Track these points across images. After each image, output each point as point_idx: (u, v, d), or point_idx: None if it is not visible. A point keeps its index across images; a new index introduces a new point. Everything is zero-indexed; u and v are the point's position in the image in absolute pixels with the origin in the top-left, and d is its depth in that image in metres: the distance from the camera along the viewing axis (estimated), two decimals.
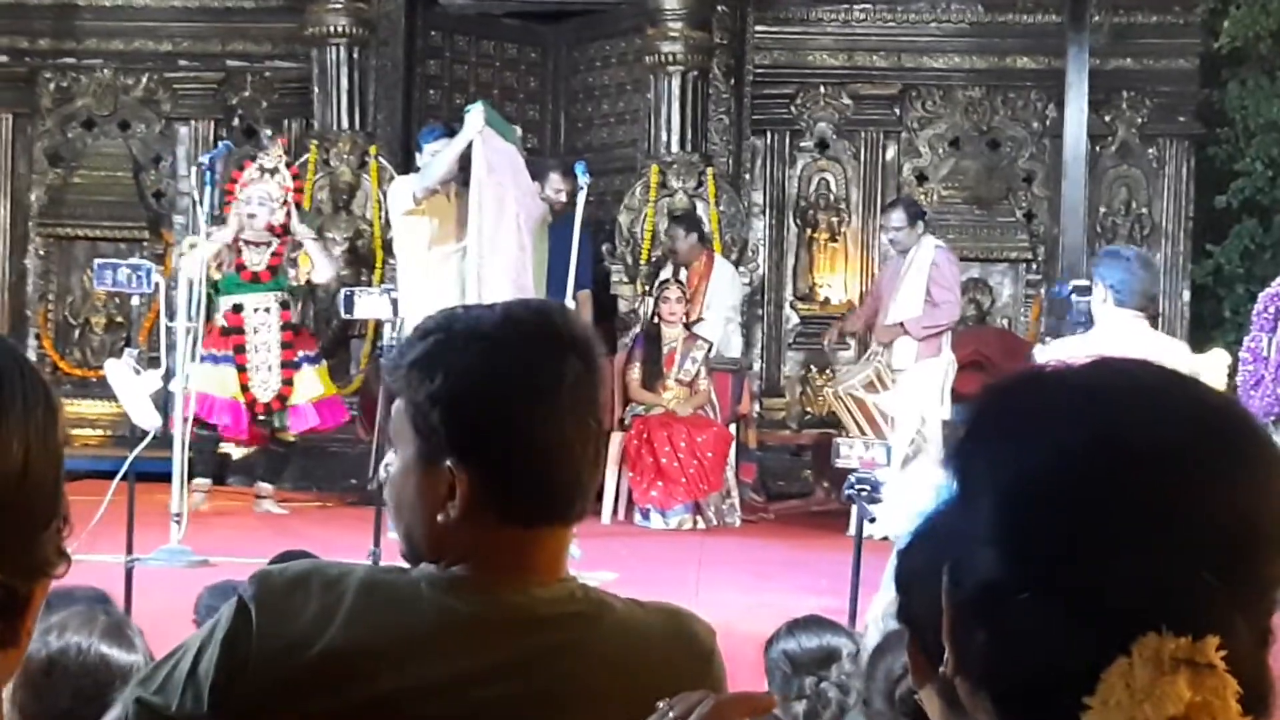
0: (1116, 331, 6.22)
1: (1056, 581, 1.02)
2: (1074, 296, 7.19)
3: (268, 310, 9.23)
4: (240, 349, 9.14)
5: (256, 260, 9.21)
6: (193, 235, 9.22)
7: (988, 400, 1.12)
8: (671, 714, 1.53)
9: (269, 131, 12.12)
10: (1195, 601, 0.99)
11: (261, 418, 9.20)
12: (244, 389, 9.12)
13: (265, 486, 9.56)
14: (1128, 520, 1.01)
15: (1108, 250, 7.23)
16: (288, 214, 9.32)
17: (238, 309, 9.18)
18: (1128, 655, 0.98)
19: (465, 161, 8.34)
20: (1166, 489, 1.02)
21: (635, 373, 10.07)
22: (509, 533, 1.79)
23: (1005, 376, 1.13)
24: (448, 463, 1.77)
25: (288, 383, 9.21)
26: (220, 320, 9.17)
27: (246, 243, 9.17)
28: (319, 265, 9.30)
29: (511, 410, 1.77)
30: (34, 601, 1.13)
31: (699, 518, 9.70)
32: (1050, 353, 6.42)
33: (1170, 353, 6.29)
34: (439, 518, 1.79)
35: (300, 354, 9.32)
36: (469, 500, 1.77)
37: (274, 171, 9.31)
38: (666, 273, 10.83)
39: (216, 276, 8.99)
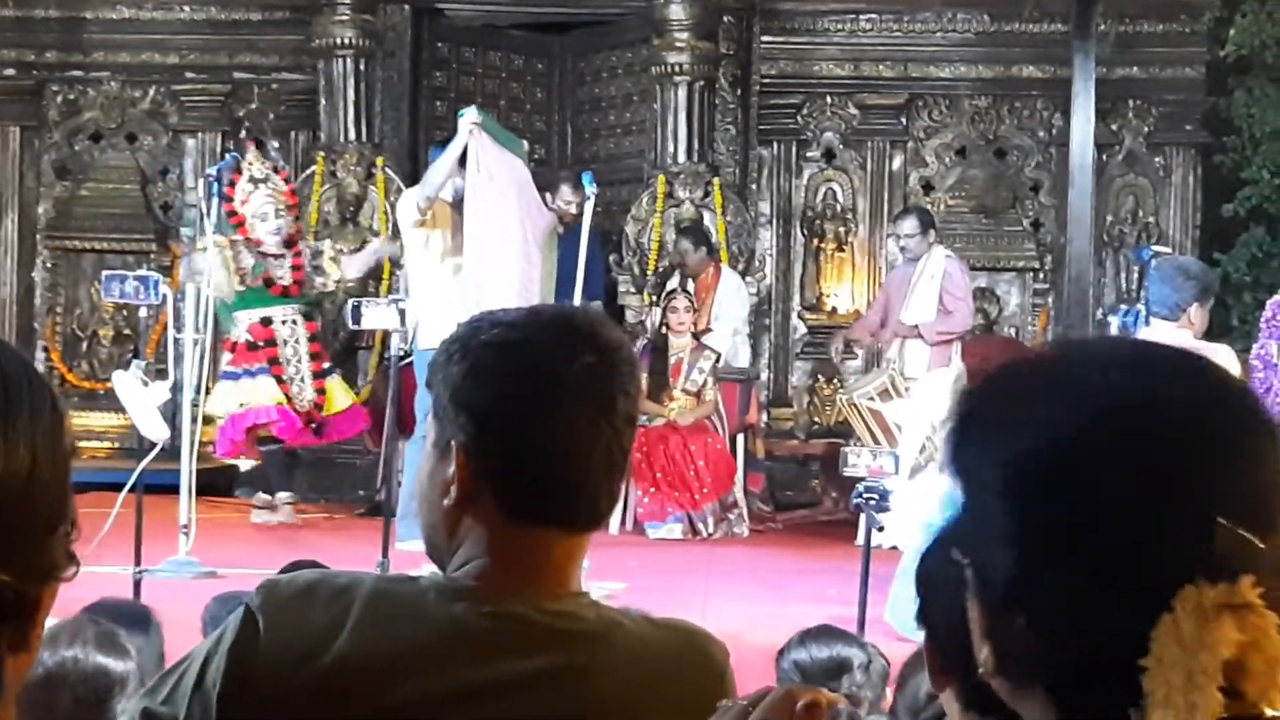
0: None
1: (1083, 559, 1.04)
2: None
3: (295, 322, 9.14)
4: (275, 360, 9.03)
5: (281, 273, 9.10)
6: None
7: (974, 399, 1.14)
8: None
9: (276, 143, 12.12)
10: (1222, 549, 1.02)
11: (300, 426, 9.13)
12: (287, 399, 9.02)
13: (283, 495, 9.43)
14: (1136, 487, 1.04)
15: (1156, 264, 7.23)
16: (296, 219, 9.30)
17: (266, 322, 9.08)
18: (1171, 612, 1.00)
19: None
20: (1164, 446, 1.05)
21: (642, 384, 10.03)
22: (512, 532, 1.77)
23: (985, 375, 1.15)
24: (452, 442, 1.77)
25: (321, 392, 9.15)
26: (244, 335, 9.08)
27: (265, 255, 9.07)
28: (356, 263, 9.49)
29: (511, 392, 1.77)
30: (43, 605, 1.14)
31: (694, 528, 9.63)
32: None
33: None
34: (445, 502, 1.78)
35: (325, 365, 9.30)
36: (465, 481, 1.76)
37: (265, 180, 9.19)
38: (674, 283, 10.83)
39: (239, 288, 8.97)
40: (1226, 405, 1.09)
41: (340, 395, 9.29)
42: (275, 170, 9.46)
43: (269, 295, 9.04)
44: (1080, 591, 1.04)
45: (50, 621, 3.02)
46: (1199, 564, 1.01)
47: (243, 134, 12.22)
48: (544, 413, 1.76)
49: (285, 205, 9.20)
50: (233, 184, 9.21)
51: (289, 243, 9.15)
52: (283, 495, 9.30)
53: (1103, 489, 1.04)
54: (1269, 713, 1.01)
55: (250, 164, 9.27)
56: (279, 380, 9.01)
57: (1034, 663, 1.07)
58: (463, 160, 8.30)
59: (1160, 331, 6.39)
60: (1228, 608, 1.00)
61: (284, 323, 9.10)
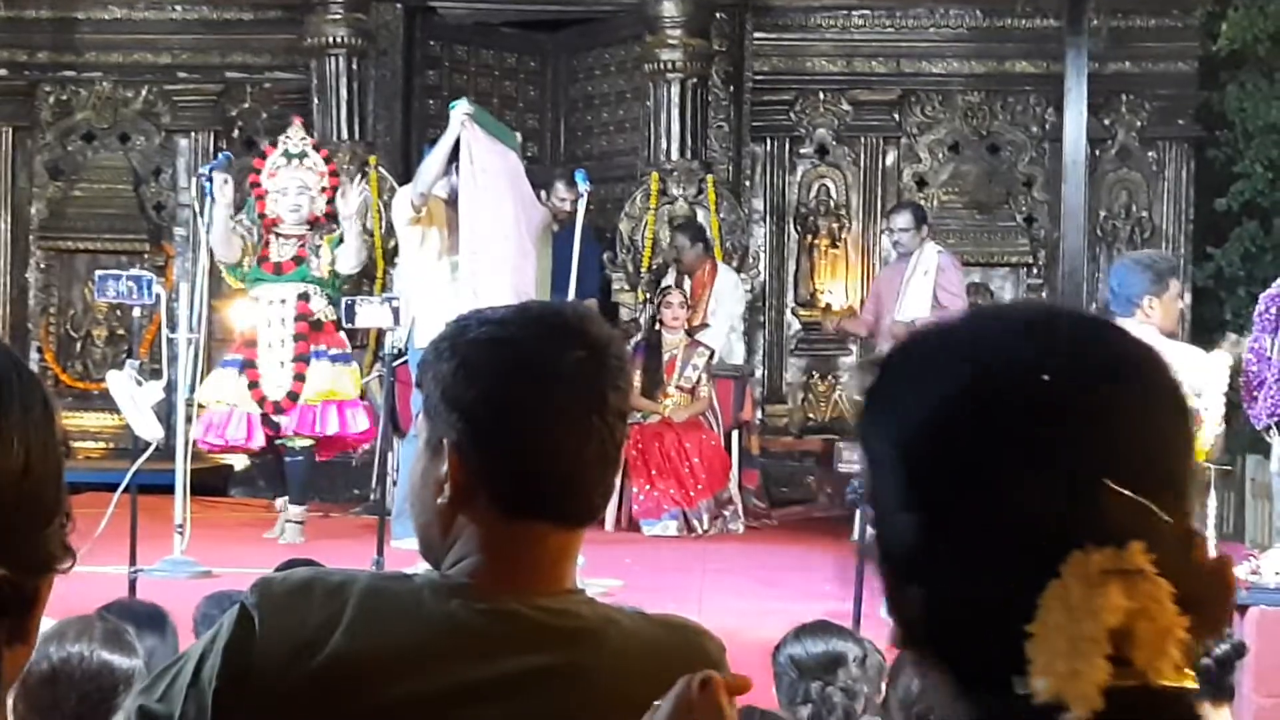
0: None
1: (972, 523, 1.04)
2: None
3: (283, 302, 8.52)
4: (251, 344, 8.52)
5: (283, 252, 8.58)
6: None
7: (878, 371, 1.14)
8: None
9: (268, 142, 12.11)
10: (1111, 513, 1.01)
11: (273, 416, 8.45)
12: (253, 385, 8.43)
13: (295, 510, 8.67)
14: (1019, 451, 1.03)
15: (1115, 263, 7.23)
16: (329, 202, 8.71)
17: (256, 300, 8.58)
18: (1059, 578, 0.99)
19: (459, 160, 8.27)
20: (1049, 410, 1.04)
21: (635, 380, 10.04)
22: (506, 529, 1.78)
23: (892, 347, 1.16)
24: (445, 441, 1.78)
25: (299, 378, 8.45)
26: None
27: (278, 234, 8.61)
28: (348, 254, 8.55)
29: (503, 388, 1.77)
30: (40, 598, 1.16)
31: (689, 524, 9.63)
32: None
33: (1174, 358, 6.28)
34: (438, 500, 1.79)
35: (316, 348, 8.54)
36: (459, 479, 1.77)
37: (302, 156, 8.75)
38: (669, 279, 10.83)
39: (244, 263, 8.54)
40: (1117, 369, 1.07)
41: (321, 380, 8.52)
42: (316, 148, 8.98)
43: (263, 273, 8.57)
44: (971, 559, 1.04)
45: (52, 621, 3.03)
46: (1088, 529, 1.00)
47: (235, 133, 12.24)
48: (535, 409, 1.77)
49: (318, 186, 8.71)
50: (264, 156, 8.94)
51: (312, 224, 8.66)
52: (293, 511, 8.65)
53: (988, 455, 1.04)
54: (1163, 683, 1.00)
55: (288, 138, 8.87)
56: (250, 365, 8.45)
57: (929, 632, 1.07)
58: (455, 154, 8.25)
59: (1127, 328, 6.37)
60: (1116, 574, 0.99)
61: (270, 302, 8.55)
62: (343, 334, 8.74)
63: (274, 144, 9.02)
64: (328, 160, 8.93)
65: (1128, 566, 0.99)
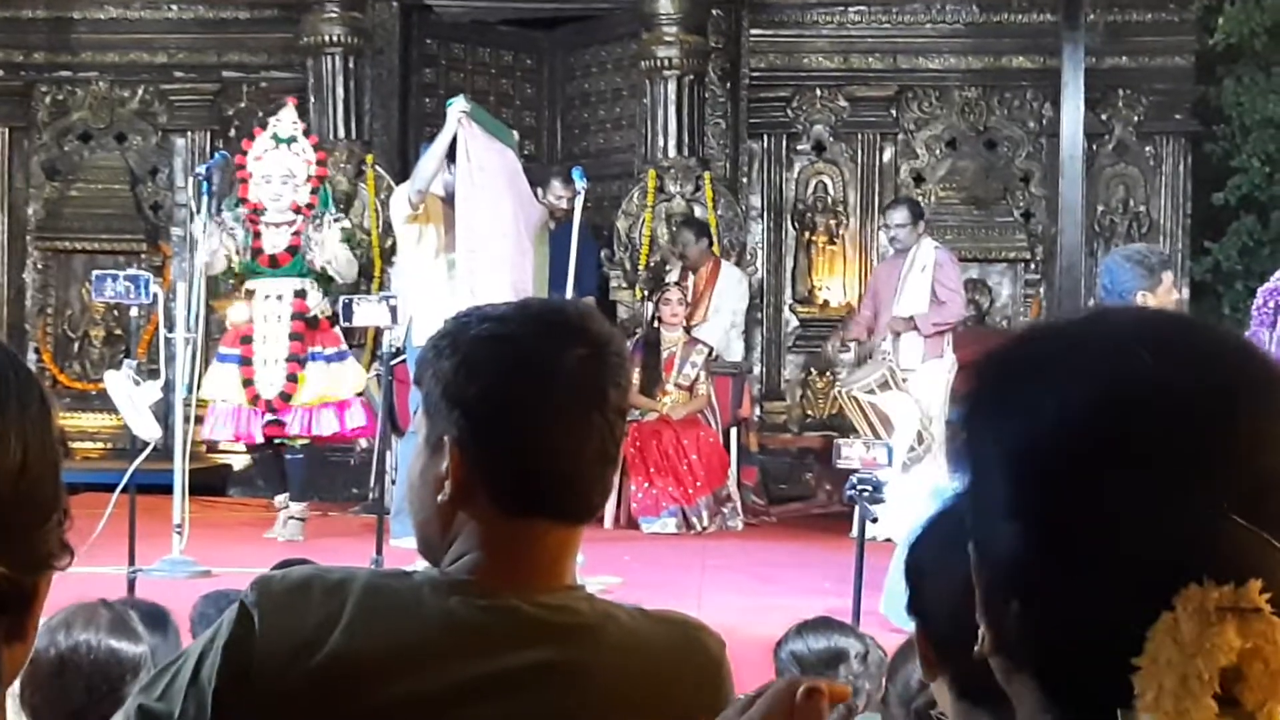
0: None
1: (1084, 544, 0.99)
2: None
3: (280, 298, 8.40)
4: (247, 339, 8.40)
5: (276, 242, 8.43)
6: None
7: (984, 371, 1.09)
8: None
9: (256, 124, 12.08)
10: (1231, 547, 0.96)
11: (270, 417, 8.37)
12: (247, 383, 8.34)
13: (296, 507, 8.61)
14: (1144, 472, 0.98)
15: (1105, 259, 7.20)
16: (313, 191, 8.55)
17: (249, 295, 8.47)
18: (1171, 610, 0.95)
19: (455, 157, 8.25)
20: (1178, 434, 0.99)
21: (634, 378, 10.03)
22: (506, 525, 1.78)
23: (998, 344, 1.10)
24: (445, 438, 1.78)
25: (292, 378, 8.35)
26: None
27: (266, 224, 8.44)
28: (339, 273, 8.51)
29: (504, 386, 1.77)
30: (39, 595, 1.15)
31: (688, 522, 9.64)
32: None
33: None
34: (439, 497, 1.79)
35: (313, 350, 8.45)
36: (459, 476, 1.77)
37: (291, 141, 8.59)
38: (673, 275, 10.82)
39: (234, 261, 8.40)
40: (1253, 395, 1.01)
41: (319, 384, 8.45)
42: (306, 133, 8.82)
43: (258, 266, 8.43)
44: (1077, 580, 0.99)
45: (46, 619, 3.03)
46: (1206, 562, 0.95)
47: (232, 132, 12.22)
48: (536, 406, 1.77)
49: (304, 174, 8.54)
50: (252, 137, 8.78)
51: (296, 211, 8.46)
52: (295, 508, 8.59)
53: (1109, 476, 0.99)
54: None
55: (279, 120, 8.69)
56: (245, 363, 8.37)
57: (1025, 648, 1.04)
58: (452, 152, 8.22)
59: None
60: (1232, 611, 0.94)
61: (266, 297, 8.43)
62: (338, 330, 8.64)
63: (263, 125, 8.95)
64: (317, 148, 8.85)
65: (1245, 605, 0.95)
